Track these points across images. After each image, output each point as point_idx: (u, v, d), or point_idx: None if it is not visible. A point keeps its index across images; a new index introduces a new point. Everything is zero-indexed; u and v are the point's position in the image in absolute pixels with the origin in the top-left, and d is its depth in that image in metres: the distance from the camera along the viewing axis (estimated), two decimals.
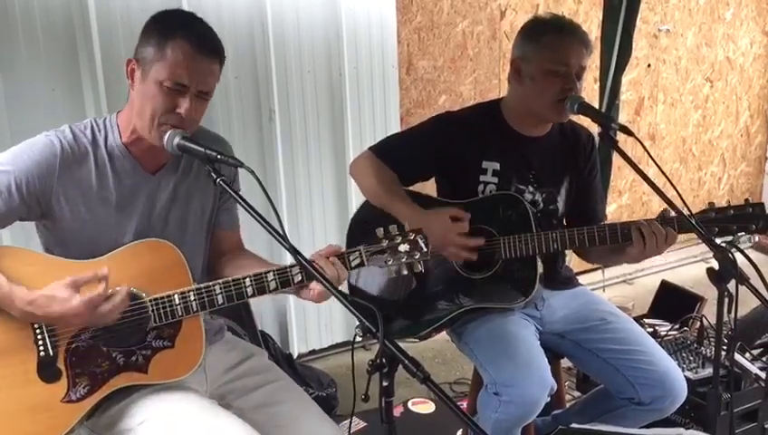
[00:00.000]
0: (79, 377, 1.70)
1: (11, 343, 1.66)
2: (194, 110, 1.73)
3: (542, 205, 2.38)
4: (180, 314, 1.75)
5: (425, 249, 1.82)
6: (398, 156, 2.36)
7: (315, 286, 1.76)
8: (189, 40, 1.70)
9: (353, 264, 1.79)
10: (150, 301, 1.74)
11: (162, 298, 1.74)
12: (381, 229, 1.82)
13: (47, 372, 1.68)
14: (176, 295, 1.74)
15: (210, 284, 1.76)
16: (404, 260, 1.81)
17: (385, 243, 1.81)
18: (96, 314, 1.64)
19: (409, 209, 2.23)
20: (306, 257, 1.61)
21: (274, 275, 1.76)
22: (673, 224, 2.13)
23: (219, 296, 1.76)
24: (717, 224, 2.10)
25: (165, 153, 1.81)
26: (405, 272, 1.83)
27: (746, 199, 2.16)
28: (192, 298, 1.75)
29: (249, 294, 1.76)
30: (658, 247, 2.14)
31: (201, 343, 1.81)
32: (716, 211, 2.13)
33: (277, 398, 1.90)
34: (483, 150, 2.34)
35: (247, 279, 1.76)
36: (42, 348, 1.68)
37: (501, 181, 2.34)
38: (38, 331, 1.68)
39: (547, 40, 2.24)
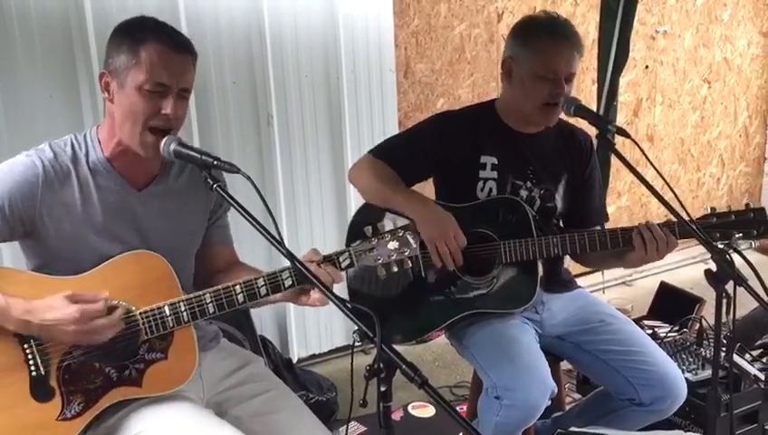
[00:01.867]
0: (73, 394, 1.69)
1: (2, 364, 1.65)
2: (178, 108, 1.72)
3: (539, 202, 2.38)
4: (171, 325, 1.74)
5: (414, 245, 1.82)
6: (398, 156, 2.36)
7: (313, 292, 1.76)
8: (161, 39, 1.69)
9: (344, 265, 1.80)
10: (141, 314, 1.73)
11: (153, 310, 1.73)
12: (369, 227, 1.82)
13: (40, 391, 1.67)
14: (166, 307, 1.73)
15: (200, 293, 1.75)
16: (393, 257, 1.82)
17: (374, 241, 1.81)
18: (90, 326, 1.62)
19: (413, 199, 2.23)
20: (303, 262, 1.61)
21: (265, 280, 1.76)
22: (674, 229, 2.14)
23: (210, 305, 1.75)
24: (719, 229, 2.10)
25: (152, 167, 1.81)
26: (395, 269, 1.84)
27: (747, 204, 2.16)
28: (182, 308, 1.74)
29: (240, 301, 1.75)
30: (659, 253, 2.15)
31: (194, 353, 1.80)
32: (717, 216, 2.13)
33: (273, 406, 1.89)
34: (480, 146, 2.35)
35: (237, 286, 1.75)
36: (33, 367, 1.66)
37: (500, 176, 2.34)
38: (28, 350, 1.66)
39: (538, 45, 2.23)
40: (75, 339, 1.63)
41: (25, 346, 1.66)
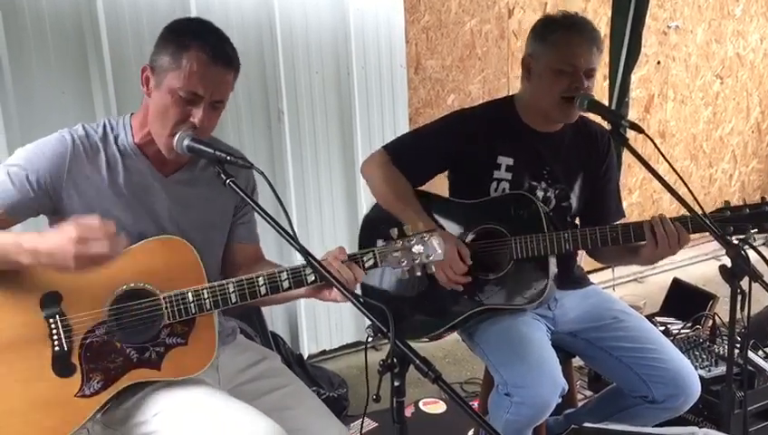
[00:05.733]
0: (93, 372, 1.71)
1: (25, 337, 1.68)
2: (207, 118, 1.75)
3: (554, 202, 2.37)
4: (194, 311, 1.76)
5: (439, 251, 1.81)
6: (412, 154, 2.36)
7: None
8: (204, 50, 1.71)
9: (367, 265, 1.79)
10: (164, 298, 1.75)
11: (176, 295, 1.75)
12: (396, 230, 1.81)
13: (61, 366, 1.69)
14: (189, 293, 1.75)
15: (224, 282, 1.77)
16: (417, 261, 1.81)
17: (399, 243, 1.80)
18: (89, 246, 1.54)
19: (420, 222, 2.22)
20: (317, 258, 1.61)
21: (288, 274, 1.77)
22: (686, 223, 2.12)
23: (233, 295, 1.76)
24: (733, 223, 2.08)
25: (180, 157, 1.82)
26: (418, 273, 1.82)
27: (762, 198, 2.14)
28: (206, 296, 1.76)
29: (262, 293, 1.77)
30: (671, 248, 2.12)
31: (214, 341, 1.82)
32: (731, 210, 2.11)
33: (289, 402, 1.90)
34: (497, 146, 2.34)
35: (260, 278, 1.77)
36: (56, 343, 1.69)
37: (514, 177, 2.33)
38: (53, 325, 1.69)
39: (555, 38, 2.23)
40: (77, 263, 1.55)
41: (51, 321, 1.69)
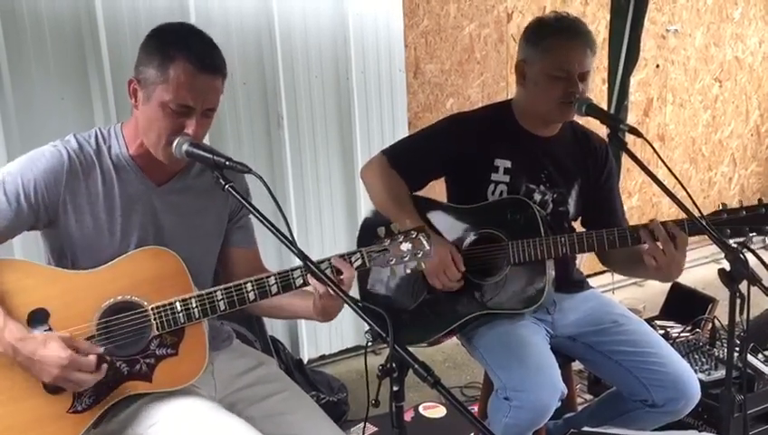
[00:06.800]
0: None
1: None
2: (200, 127, 1.73)
3: (551, 206, 2.37)
4: (183, 321, 1.75)
5: (427, 248, 1.80)
6: (411, 157, 2.36)
7: (320, 290, 1.74)
8: (190, 60, 1.68)
9: (355, 265, 1.78)
10: (152, 309, 1.74)
11: (164, 306, 1.74)
12: (383, 228, 1.80)
13: (52, 384, 1.67)
14: (177, 303, 1.74)
15: (211, 290, 1.76)
16: (406, 260, 1.80)
17: (387, 242, 1.79)
18: (73, 376, 1.62)
19: (408, 220, 2.22)
20: (315, 262, 1.61)
21: (276, 279, 1.76)
22: (683, 226, 2.11)
23: (221, 302, 1.75)
24: (730, 226, 2.07)
25: (174, 165, 1.82)
26: (408, 271, 1.82)
27: (759, 200, 2.13)
28: (194, 305, 1.75)
29: (251, 299, 1.76)
30: (668, 254, 2.08)
31: (204, 350, 1.80)
32: (728, 212, 2.09)
33: (287, 408, 1.89)
34: (495, 149, 2.34)
35: (248, 284, 1.76)
36: None
37: (512, 180, 2.33)
38: None
39: (548, 44, 2.23)
40: (53, 380, 1.63)
41: None
